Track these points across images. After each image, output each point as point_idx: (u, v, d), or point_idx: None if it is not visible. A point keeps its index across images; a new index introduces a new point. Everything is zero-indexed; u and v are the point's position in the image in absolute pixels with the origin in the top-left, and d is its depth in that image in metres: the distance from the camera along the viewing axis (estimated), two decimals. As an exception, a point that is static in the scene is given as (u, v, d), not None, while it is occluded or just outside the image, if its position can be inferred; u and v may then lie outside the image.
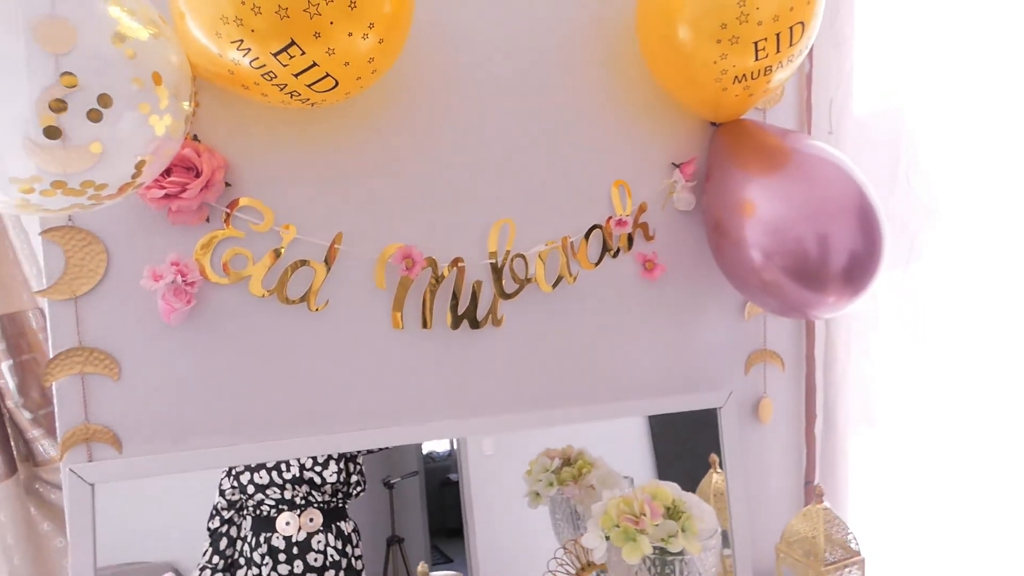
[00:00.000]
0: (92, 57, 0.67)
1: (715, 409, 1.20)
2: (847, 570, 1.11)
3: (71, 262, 0.88)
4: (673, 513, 0.98)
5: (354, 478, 1.10)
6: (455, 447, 1.21)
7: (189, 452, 0.94)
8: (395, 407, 1.04)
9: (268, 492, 1.04)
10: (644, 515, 0.96)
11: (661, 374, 1.19)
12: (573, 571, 1.11)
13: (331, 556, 1.07)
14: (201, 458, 0.94)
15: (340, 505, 1.09)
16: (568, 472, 1.18)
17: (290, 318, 0.97)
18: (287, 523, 1.05)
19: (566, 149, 1.09)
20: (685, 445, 1.26)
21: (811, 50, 1.20)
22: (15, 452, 1.38)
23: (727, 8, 0.87)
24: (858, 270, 0.96)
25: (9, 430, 1.37)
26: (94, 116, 0.65)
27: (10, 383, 1.34)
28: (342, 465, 1.08)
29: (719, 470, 1.22)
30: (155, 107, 0.71)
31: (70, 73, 0.63)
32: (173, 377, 0.93)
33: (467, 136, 1.04)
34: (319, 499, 1.07)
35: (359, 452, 1.10)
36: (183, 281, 0.89)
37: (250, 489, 1.04)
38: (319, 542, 1.07)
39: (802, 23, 0.90)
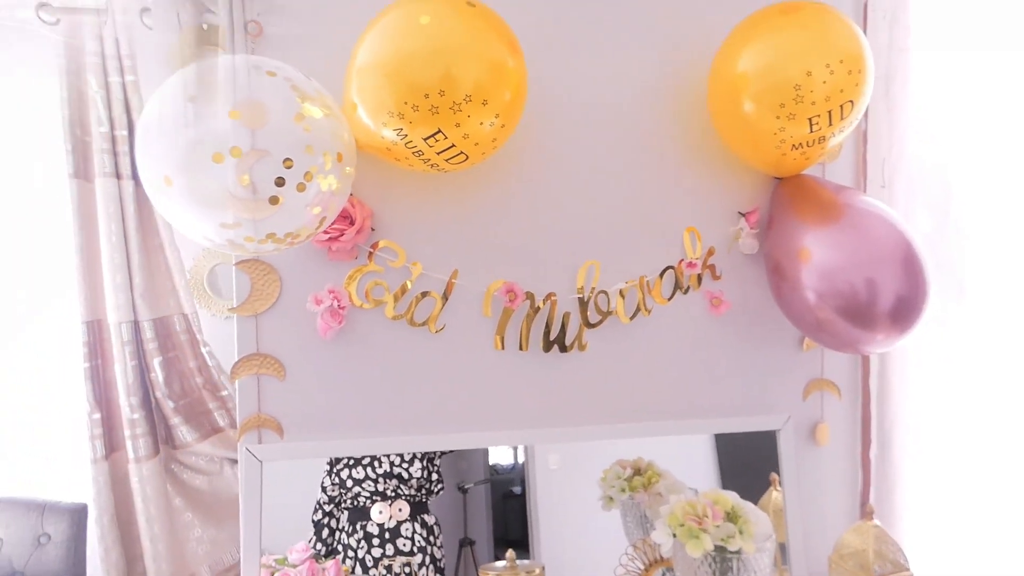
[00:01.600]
0: (279, 132, 0.87)
1: (775, 431, 1.34)
2: (895, 582, 1.22)
3: (255, 287, 1.13)
4: (732, 517, 1.13)
5: (435, 476, 1.30)
6: (519, 460, 1.37)
7: (335, 440, 1.17)
8: (495, 414, 1.24)
9: (364, 485, 1.25)
10: (706, 517, 1.12)
11: (724, 397, 1.34)
12: (642, 566, 1.28)
13: (418, 542, 1.27)
14: (344, 445, 1.18)
15: (424, 500, 1.29)
16: (639, 480, 1.34)
17: (415, 338, 1.19)
18: (379, 511, 1.26)
19: (645, 200, 1.28)
20: (748, 464, 1.40)
21: (867, 111, 1.35)
22: (159, 434, 1.62)
23: (785, 90, 1.04)
24: (904, 311, 1.09)
25: (155, 416, 1.61)
26: (300, 188, 0.89)
27: (159, 376, 1.58)
28: (424, 463, 1.28)
29: (779, 488, 1.35)
30: (324, 170, 0.92)
31: (289, 159, 0.87)
32: (325, 380, 1.17)
33: (560, 189, 1.25)
34: (406, 492, 1.27)
35: (437, 453, 1.30)
36: (337, 305, 1.13)
37: (349, 483, 1.25)
38: (407, 530, 1.27)
39: (851, 101, 1.05)
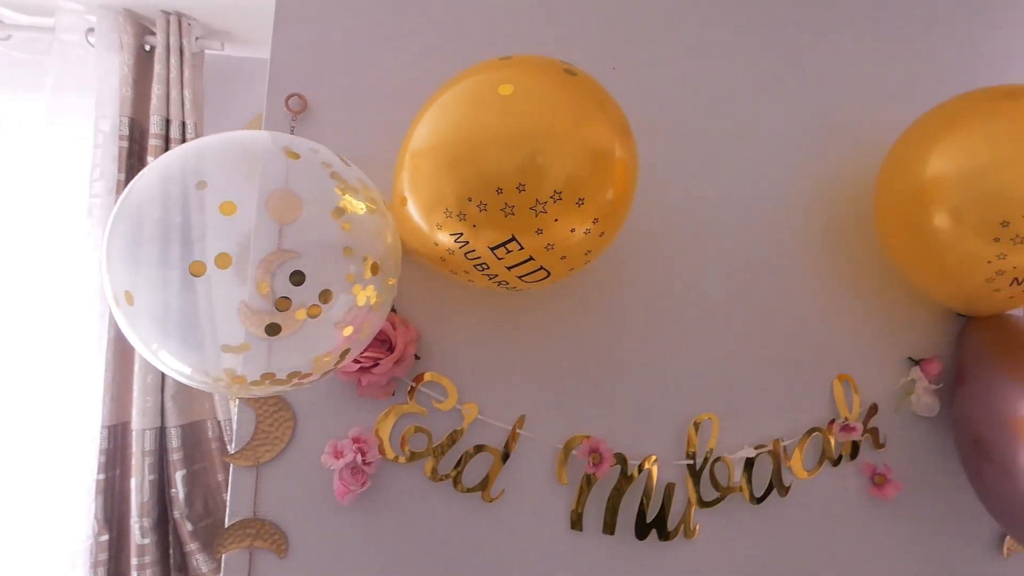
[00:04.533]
0: (311, 231, 0.67)
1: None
2: None
3: (260, 427, 0.87)
4: None
5: None
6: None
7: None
8: (566, 622, 0.89)
9: None
10: None
11: (890, 616, 0.96)
12: None
13: None
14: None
15: None
16: None
17: (463, 507, 0.88)
18: None
19: (779, 336, 0.95)
20: None
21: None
22: (171, 561, 1.39)
23: (1014, 203, 0.73)
24: None
25: (171, 538, 1.39)
26: (313, 312, 0.64)
27: (180, 493, 1.36)
28: None
29: None
30: (363, 279, 0.69)
31: (300, 272, 0.62)
32: (340, 559, 0.86)
33: (667, 318, 0.94)
34: None
35: None
36: (362, 461, 0.84)
37: None
38: None
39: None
